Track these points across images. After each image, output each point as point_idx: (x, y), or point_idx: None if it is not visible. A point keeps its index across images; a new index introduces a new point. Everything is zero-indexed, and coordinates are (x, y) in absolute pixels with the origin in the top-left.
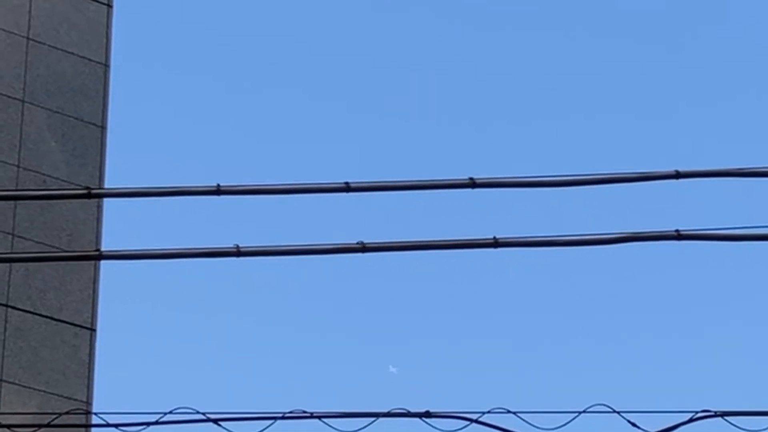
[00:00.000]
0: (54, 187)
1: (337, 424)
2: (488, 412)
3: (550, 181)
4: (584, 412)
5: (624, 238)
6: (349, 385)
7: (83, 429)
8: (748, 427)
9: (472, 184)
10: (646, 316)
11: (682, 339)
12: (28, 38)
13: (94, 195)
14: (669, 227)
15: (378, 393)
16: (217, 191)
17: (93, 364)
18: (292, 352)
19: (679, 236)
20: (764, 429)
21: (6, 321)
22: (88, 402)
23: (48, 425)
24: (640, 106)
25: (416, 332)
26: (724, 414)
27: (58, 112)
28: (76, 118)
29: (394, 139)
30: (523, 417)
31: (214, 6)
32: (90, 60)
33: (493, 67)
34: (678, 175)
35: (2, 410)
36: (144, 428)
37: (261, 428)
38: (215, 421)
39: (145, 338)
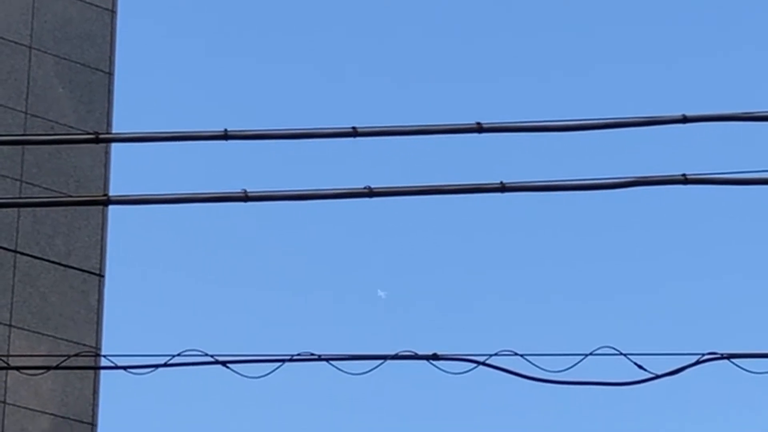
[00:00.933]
0: (62, 133)
1: (345, 366)
2: (495, 354)
3: (557, 126)
4: (591, 354)
5: (631, 182)
6: (350, 318)
7: (92, 372)
8: (754, 369)
9: (480, 128)
10: (652, 261)
11: (688, 284)
12: None
13: (102, 140)
14: (676, 171)
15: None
16: (225, 136)
17: (102, 309)
18: (299, 289)
19: (686, 180)
20: None
21: (15, 267)
22: (97, 347)
23: (57, 367)
24: (645, 53)
25: (424, 285)
26: (730, 356)
27: (65, 59)
28: (83, 65)
29: (399, 88)
30: (530, 360)
31: None
32: (96, 6)
33: (502, 23)
34: (685, 120)
35: (12, 354)
36: (152, 370)
37: (269, 370)
38: (223, 363)
39: (152, 283)
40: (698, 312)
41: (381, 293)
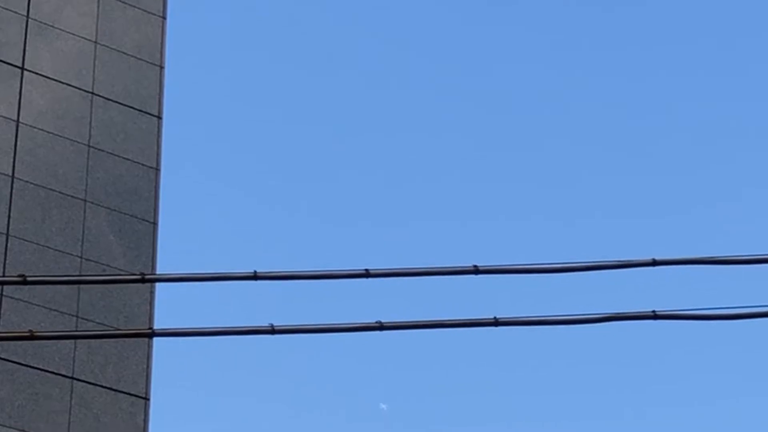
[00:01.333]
0: (112, 274)
1: None
2: None
3: (543, 268)
4: None
5: (607, 317)
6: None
7: None
8: None
9: (476, 270)
10: (625, 388)
11: (655, 408)
12: (89, 146)
13: (147, 280)
14: (647, 308)
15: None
16: (254, 277)
17: (147, 428)
18: (314, 406)
19: (655, 316)
20: None
21: (72, 391)
22: None
23: None
24: (624, 207)
25: (425, 405)
26: None
27: (115, 210)
28: (131, 216)
29: (407, 233)
30: None
31: (249, 114)
32: (143, 165)
33: (498, 171)
34: (654, 263)
35: None
36: None
37: None
38: None
39: (191, 404)
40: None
41: (383, 406)
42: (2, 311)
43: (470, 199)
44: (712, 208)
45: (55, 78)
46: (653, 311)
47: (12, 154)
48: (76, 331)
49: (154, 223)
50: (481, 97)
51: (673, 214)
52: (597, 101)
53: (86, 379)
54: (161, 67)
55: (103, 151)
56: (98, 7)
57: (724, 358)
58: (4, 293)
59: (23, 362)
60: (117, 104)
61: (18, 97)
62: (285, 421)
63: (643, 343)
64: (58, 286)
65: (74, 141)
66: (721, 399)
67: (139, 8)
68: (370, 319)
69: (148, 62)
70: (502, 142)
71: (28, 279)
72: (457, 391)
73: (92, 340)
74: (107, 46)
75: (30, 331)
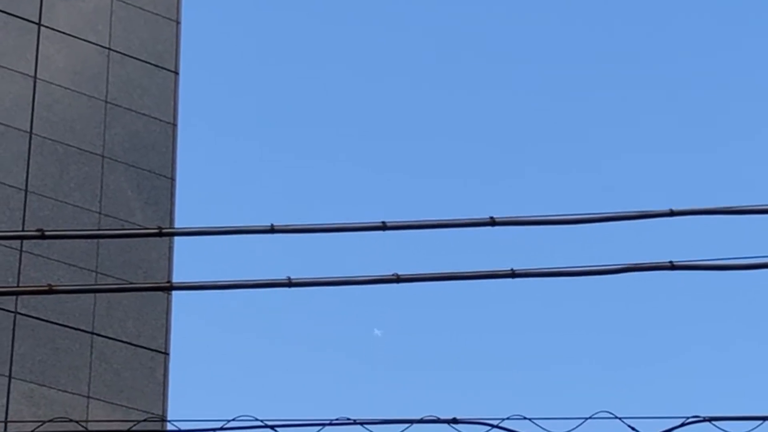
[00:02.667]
0: (130, 228)
1: (377, 429)
2: (507, 418)
3: (560, 220)
4: (590, 418)
5: (624, 268)
6: (382, 383)
7: None
8: (733, 431)
9: (493, 222)
10: (642, 336)
11: (674, 356)
12: (106, 102)
13: (165, 234)
14: (664, 259)
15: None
16: (271, 230)
17: (167, 382)
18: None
19: (672, 267)
20: None
21: (92, 346)
22: (164, 415)
23: (129, 431)
24: (641, 152)
25: (444, 354)
26: (711, 419)
27: (133, 166)
28: (148, 171)
29: (422, 185)
30: (537, 423)
31: (266, 68)
32: (160, 120)
33: (511, 128)
34: (672, 213)
35: (90, 420)
36: None
37: None
38: (272, 428)
39: (210, 359)
40: (684, 380)
41: (377, 332)
42: (22, 267)
43: (487, 153)
44: (729, 155)
45: (72, 34)
46: (671, 262)
47: (29, 111)
48: (94, 284)
49: (172, 179)
50: (496, 49)
51: (691, 163)
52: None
53: (106, 334)
54: (177, 23)
55: (120, 106)
56: None
57: (742, 308)
58: (23, 249)
59: (43, 318)
60: (134, 60)
61: (35, 54)
62: (298, 361)
63: (660, 293)
64: (77, 242)
65: (91, 97)
66: (738, 347)
67: None
68: (387, 272)
69: (164, 17)
70: (516, 95)
71: (46, 233)
72: (476, 338)
73: (112, 296)
74: (123, 2)
75: (48, 285)
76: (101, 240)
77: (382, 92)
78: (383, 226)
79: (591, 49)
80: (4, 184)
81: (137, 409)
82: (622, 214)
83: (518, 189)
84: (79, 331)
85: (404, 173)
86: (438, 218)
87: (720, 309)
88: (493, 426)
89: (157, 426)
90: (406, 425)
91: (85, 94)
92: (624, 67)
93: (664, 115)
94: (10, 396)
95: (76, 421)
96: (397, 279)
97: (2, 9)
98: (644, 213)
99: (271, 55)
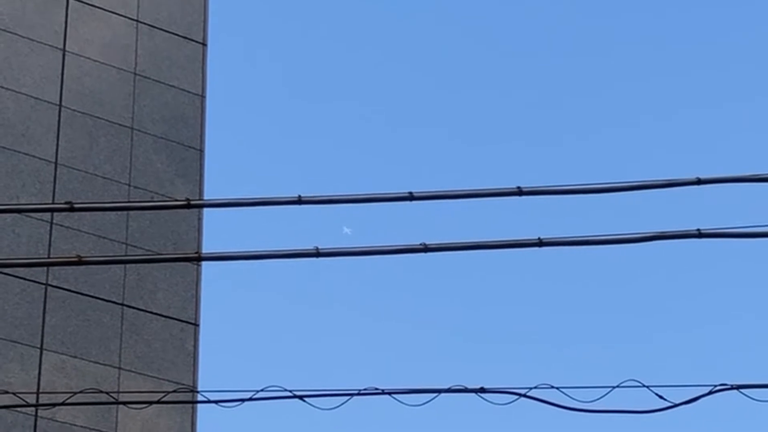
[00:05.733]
0: (159, 200)
1: (405, 398)
2: (535, 387)
3: (587, 188)
4: (618, 386)
5: (652, 237)
6: (409, 353)
7: (190, 406)
8: (760, 398)
9: (520, 192)
10: (671, 305)
11: (702, 324)
12: (135, 74)
13: (193, 205)
14: (692, 227)
15: None
16: (299, 201)
17: (197, 353)
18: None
19: (700, 234)
20: None
21: (122, 318)
22: (194, 386)
23: (159, 402)
24: (667, 120)
25: (472, 324)
26: (739, 387)
27: (162, 138)
28: (177, 143)
29: (452, 154)
30: (564, 391)
31: (293, 41)
32: (188, 92)
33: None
34: (699, 182)
35: (121, 391)
36: (240, 404)
37: (340, 403)
38: (300, 398)
39: (240, 329)
40: (712, 348)
41: (346, 230)
42: (52, 240)
43: (514, 121)
44: (758, 119)
45: (101, 6)
46: (698, 230)
47: (59, 83)
48: (124, 255)
49: (201, 150)
50: (520, 15)
51: (718, 131)
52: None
53: (136, 306)
54: None
55: (149, 78)
56: None
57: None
58: (53, 222)
59: (74, 290)
60: (162, 32)
61: (64, 26)
62: (327, 331)
63: (688, 262)
64: (107, 215)
65: (120, 69)
66: (766, 314)
67: None
68: (415, 241)
69: None
70: (541, 62)
71: (75, 206)
72: (503, 307)
73: (142, 268)
74: None
75: (78, 256)
76: (131, 212)
77: (409, 64)
78: (410, 197)
79: (614, 7)
80: (34, 156)
81: (168, 380)
82: (649, 183)
83: (545, 157)
84: (109, 303)
85: (432, 143)
86: (465, 188)
87: (748, 276)
88: (520, 395)
89: (187, 397)
90: (434, 395)
91: (114, 67)
92: (648, 28)
93: (690, 82)
94: (42, 367)
95: (107, 392)
96: (425, 248)
97: None
98: (671, 181)
99: (299, 26)
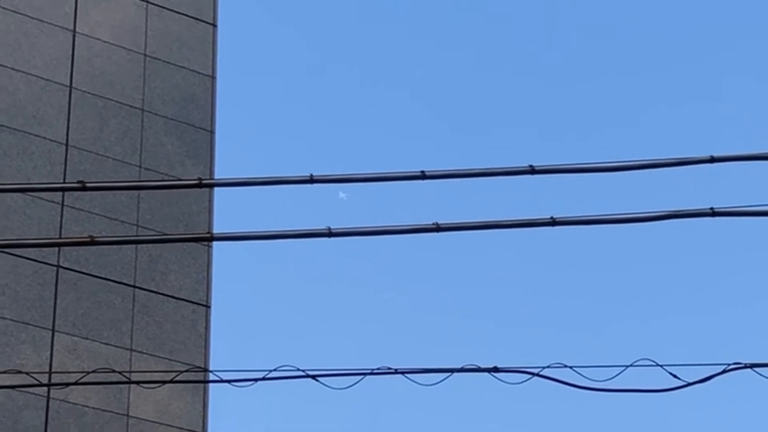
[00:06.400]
0: (170, 180)
1: (418, 378)
2: (548, 366)
3: (600, 167)
4: (631, 365)
5: (665, 215)
6: (422, 331)
7: (201, 387)
8: None
9: (532, 170)
10: (683, 284)
11: (715, 303)
12: (145, 55)
13: (205, 185)
14: (705, 206)
15: None
16: (311, 180)
17: (209, 334)
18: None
19: (713, 213)
20: None
21: (134, 299)
22: (206, 367)
23: (171, 381)
24: (680, 102)
25: (484, 305)
26: (753, 365)
27: (172, 119)
28: (188, 124)
29: (463, 134)
30: (578, 371)
31: (303, 20)
32: (199, 73)
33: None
34: (712, 160)
35: (133, 371)
36: (252, 383)
37: (353, 383)
38: (313, 377)
39: (251, 310)
40: (725, 327)
41: (342, 195)
42: (63, 221)
43: (526, 101)
44: None
45: None
46: (711, 208)
47: (69, 65)
48: (136, 236)
49: (211, 131)
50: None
51: (732, 109)
52: None
53: (148, 288)
54: None
55: (159, 59)
56: None
57: None
58: (64, 203)
59: (86, 271)
60: (172, 12)
61: (74, 8)
62: (339, 310)
63: (701, 241)
64: (118, 196)
65: (130, 50)
66: None
67: None
68: (427, 221)
69: None
70: (557, 45)
71: (87, 185)
72: (516, 288)
73: (153, 249)
74: None
75: (90, 236)
76: (142, 193)
77: (423, 41)
78: (423, 176)
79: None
80: (45, 138)
81: (179, 361)
82: (662, 161)
83: (558, 137)
84: (121, 285)
85: (445, 124)
86: (478, 167)
87: (762, 255)
88: (533, 375)
89: (199, 377)
90: (447, 374)
91: (124, 48)
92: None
93: (702, 62)
94: (54, 349)
95: (120, 372)
96: (437, 228)
97: None
98: (684, 160)
99: (310, 5)
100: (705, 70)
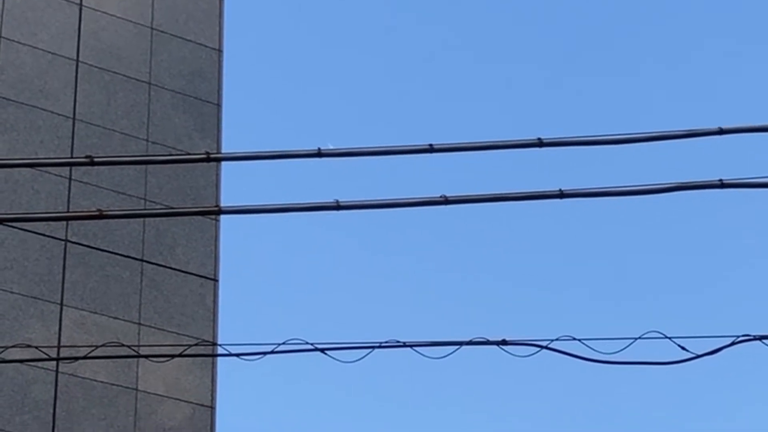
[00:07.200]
0: (178, 153)
1: (426, 351)
2: (557, 339)
3: (608, 140)
4: (639, 338)
5: (674, 187)
6: (429, 306)
7: (210, 361)
8: None
9: (540, 143)
10: (692, 255)
11: (725, 274)
12: (151, 28)
13: (212, 159)
14: (713, 177)
15: None
16: (318, 154)
17: (217, 308)
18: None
19: (722, 185)
20: None
21: (142, 273)
22: (214, 340)
23: (180, 355)
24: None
25: (493, 278)
26: (762, 338)
27: (179, 93)
28: (195, 97)
29: (470, 107)
30: (586, 343)
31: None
32: (206, 46)
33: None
34: (721, 132)
35: (142, 345)
36: (261, 357)
37: (361, 356)
38: (322, 350)
39: (259, 285)
40: (734, 299)
41: (330, 145)
42: (71, 195)
43: (534, 74)
44: None
45: None
46: (720, 180)
47: (76, 38)
48: (144, 209)
49: (219, 105)
50: None
51: (739, 82)
52: None
53: (156, 261)
54: None
55: (165, 33)
56: None
57: None
58: (72, 177)
59: (94, 245)
60: None
61: None
62: (347, 284)
63: (710, 212)
64: (126, 170)
65: (137, 23)
66: None
67: None
68: (435, 193)
69: None
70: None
71: (95, 160)
72: (524, 261)
73: (161, 223)
74: None
75: (99, 210)
76: (149, 167)
77: (430, 17)
78: (430, 149)
79: None
80: (52, 112)
81: (188, 335)
82: (670, 133)
83: (565, 110)
84: (129, 259)
85: (452, 96)
86: (485, 140)
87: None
88: (542, 347)
89: (208, 350)
90: (456, 347)
91: (131, 21)
92: None
93: (712, 30)
94: (62, 323)
95: (128, 346)
96: (445, 201)
97: None
98: (693, 131)
99: None
100: (715, 42)
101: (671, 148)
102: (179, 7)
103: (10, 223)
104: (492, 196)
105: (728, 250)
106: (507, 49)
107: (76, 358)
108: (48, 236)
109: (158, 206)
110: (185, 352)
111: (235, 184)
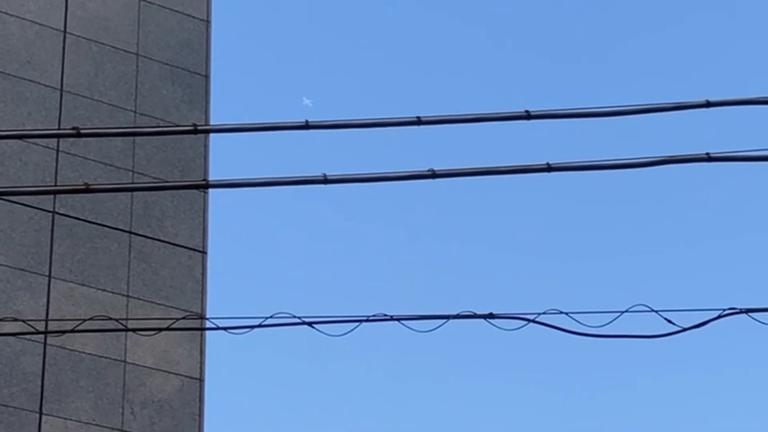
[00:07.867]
0: (165, 125)
1: (414, 325)
2: (543, 313)
3: (595, 112)
4: (626, 311)
5: (661, 161)
6: (418, 281)
7: (198, 333)
8: None
9: (528, 116)
10: (678, 226)
11: (711, 246)
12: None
13: (200, 131)
14: (701, 150)
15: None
16: (306, 126)
17: (205, 281)
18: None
19: (709, 158)
20: None
21: (130, 245)
22: (202, 313)
23: (168, 329)
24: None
25: (478, 252)
26: (748, 311)
27: (167, 64)
28: (183, 69)
29: (458, 77)
30: (573, 317)
31: None
32: (194, 17)
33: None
34: (708, 104)
35: (130, 318)
36: (248, 330)
37: (349, 330)
38: (309, 324)
39: (248, 258)
40: (720, 271)
41: (306, 101)
42: (58, 167)
43: (522, 47)
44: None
45: None
46: (707, 153)
47: (63, 9)
48: (131, 183)
49: (207, 76)
50: None
51: (725, 55)
52: None
53: (144, 234)
54: None
55: (153, 4)
56: None
57: None
58: (59, 149)
59: (81, 217)
60: None
61: None
62: (334, 258)
63: (697, 186)
64: (113, 142)
65: None
66: None
67: None
68: (423, 167)
69: None
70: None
71: (82, 131)
72: (510, 233)
73: (149, 195)
74: None
75: (85, 183)
76: (137, 139)
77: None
78: (418, 121)
79: None
80: (40, 83)
81: (176, 308)
82: (657, 106)
83: (550, 84)
84: (117, 231)
85: (439, 69)
86: (473, 112)
87: (756, 200)
88: (529, 321)
89: (196, 324)
90: (443, 321)
91: None
92: None
93: (699, 4)
94: (50, 296)
95: (116, 319)
96: (433, 174)
97: None
98: (680, 104)
99: None
100: (702, 16)
101: (658, 121)
102: None
103: None
104: (480, 170)
105: (714, 223)
106: (496, 27)
107: (64, 332)
108: (36, 208)
109: (146, 178)
110: (173, 326)
111: (225, 155)
